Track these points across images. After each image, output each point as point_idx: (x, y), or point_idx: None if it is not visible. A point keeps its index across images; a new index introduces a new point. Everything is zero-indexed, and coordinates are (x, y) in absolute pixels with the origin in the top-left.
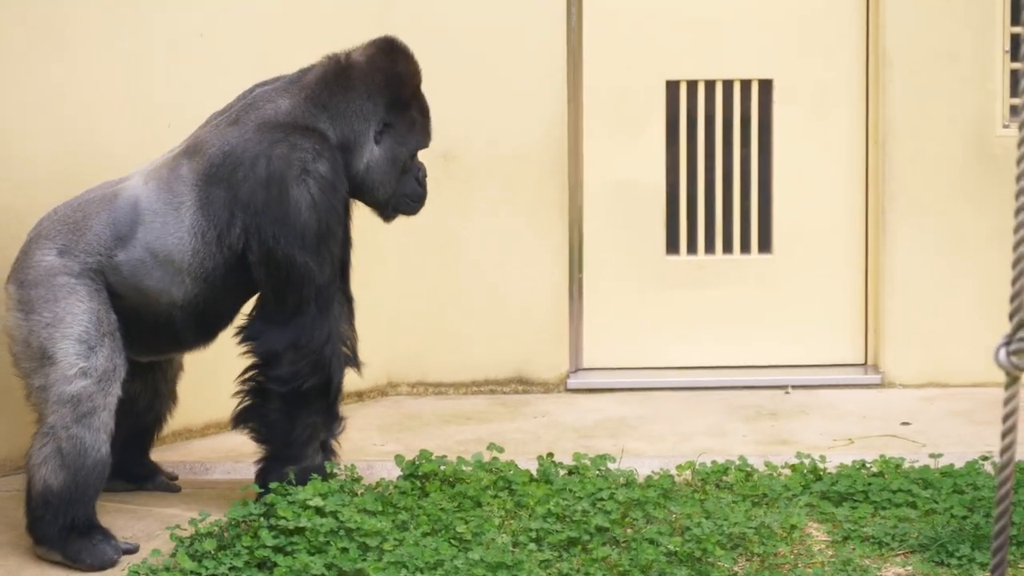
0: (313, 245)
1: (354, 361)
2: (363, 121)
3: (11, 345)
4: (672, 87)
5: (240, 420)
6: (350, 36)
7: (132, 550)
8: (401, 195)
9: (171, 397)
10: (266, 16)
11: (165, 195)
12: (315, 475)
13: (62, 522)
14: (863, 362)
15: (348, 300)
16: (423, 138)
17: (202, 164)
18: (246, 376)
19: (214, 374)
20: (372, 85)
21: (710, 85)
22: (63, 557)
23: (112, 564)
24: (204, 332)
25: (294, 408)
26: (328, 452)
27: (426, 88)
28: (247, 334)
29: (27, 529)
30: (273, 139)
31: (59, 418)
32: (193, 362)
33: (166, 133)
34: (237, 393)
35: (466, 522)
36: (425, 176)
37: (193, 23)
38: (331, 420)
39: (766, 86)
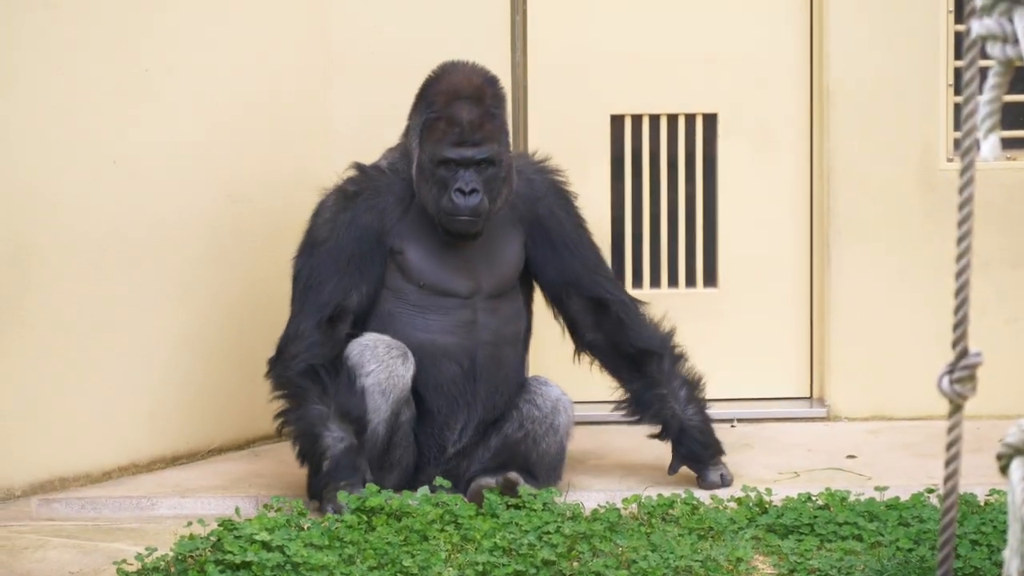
0: (318, 253)
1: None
2: (409, 138)
3: None
4: (617, 121)
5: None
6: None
7: None
8: (440, 210)
9: None
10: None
11: None
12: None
13: None
14: (808, 395)
15: (600, 301)
16: (443, 147)
17: None
18: None
19: (155, 410)
20: (416, 106)
21: (654, 119)
22: None
23: None
24: None
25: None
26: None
27: (356, 121)
28: None
29: None
30: None
31: None
32: (133, 397)
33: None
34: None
35: (413, 556)
36: (462, 189)
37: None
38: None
39: (711, 120)
